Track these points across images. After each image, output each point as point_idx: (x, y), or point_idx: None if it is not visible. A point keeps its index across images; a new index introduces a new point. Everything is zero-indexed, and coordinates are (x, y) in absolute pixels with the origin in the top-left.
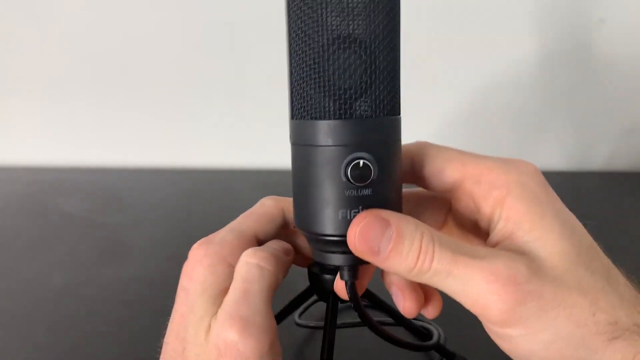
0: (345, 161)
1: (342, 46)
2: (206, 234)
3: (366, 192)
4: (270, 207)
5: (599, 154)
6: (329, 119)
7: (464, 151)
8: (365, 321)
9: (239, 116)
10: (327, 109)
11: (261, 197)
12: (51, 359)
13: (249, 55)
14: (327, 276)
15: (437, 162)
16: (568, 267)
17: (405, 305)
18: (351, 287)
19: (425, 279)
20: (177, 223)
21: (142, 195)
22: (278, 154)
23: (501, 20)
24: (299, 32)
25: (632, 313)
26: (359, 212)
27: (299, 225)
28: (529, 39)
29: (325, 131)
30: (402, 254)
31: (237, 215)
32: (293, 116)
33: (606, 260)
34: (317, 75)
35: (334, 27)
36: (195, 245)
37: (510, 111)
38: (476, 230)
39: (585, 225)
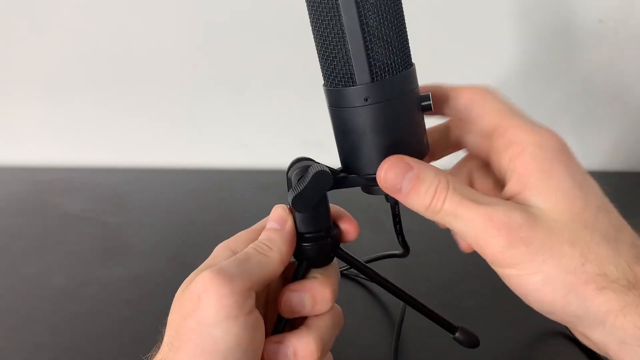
0: (421, 97)
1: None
2: (206, 234)
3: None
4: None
5: (598, 154)
6: (406, 69)
7: (508, 103)
8: (398, 232)
9: (240, 116)
10: (404, 61)
11: (261, 197)
12: (52, 359)
13: (249, 55)
14: (305, 245)
15: (483, 106)
16: (565, 222)
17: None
18: (394, 205)
19: (438, 218)
20: (177, 223)
21: (143, 195)
22: (278, 154)
23: (496, 20)
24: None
25: (625, 269)
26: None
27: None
28: (527, 38)
29: (410, 78)
30: (420, 194)
31: (237, 215)
32: (372, 79)
33: (617, 222)
34: (398, 35)
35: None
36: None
37: None
38: (497, 181)
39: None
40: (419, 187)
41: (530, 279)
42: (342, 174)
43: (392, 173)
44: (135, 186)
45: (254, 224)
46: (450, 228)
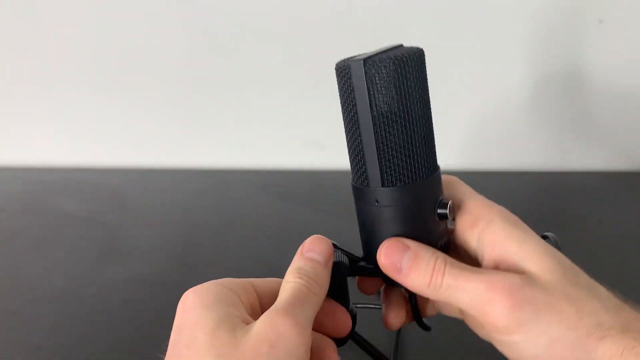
0: (440, 203)
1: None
2: (206, 234)
3: (445, 224)
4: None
5: (598, 154)
6: (423, 178)
7: (468, 186)
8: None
9: (240, 116)
10: (422, 170)
11: (261, 197)
12: (51, 359)
13: (250, 55)
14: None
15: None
16: (556, 280)
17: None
18: (412, 297)
19: (440, 294)
20: (177, 223)
21: (143, 195)
22: (278, 154)
23: (498, 21)
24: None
25: (615, 316)
26: (446, 239)
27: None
28: (528, 38)
29: (423, 187)
30: (420, 271)
31: (237, 215)
32: (382, 184)
33: (588, 278)
34: (419, 147)
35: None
36: None
37: (507, 110)
38: (469, 260)
39: (545, 237)
40: (419, 265)
41: (538, 341)
42: (362, 263)
43: (390, 252)
44: (135, 186)
45: (252, 224)
46: (453, 303)
